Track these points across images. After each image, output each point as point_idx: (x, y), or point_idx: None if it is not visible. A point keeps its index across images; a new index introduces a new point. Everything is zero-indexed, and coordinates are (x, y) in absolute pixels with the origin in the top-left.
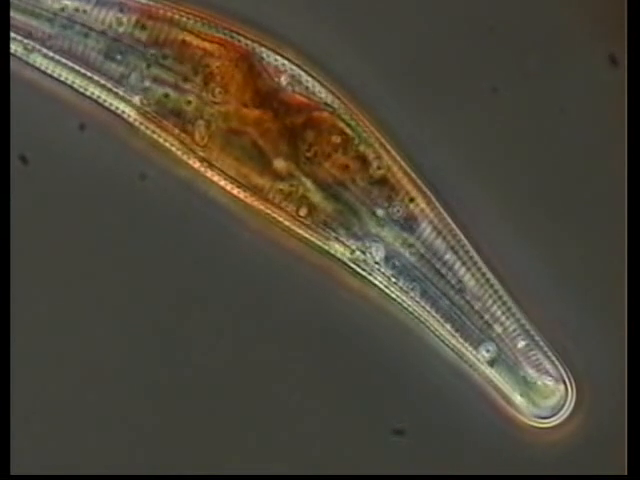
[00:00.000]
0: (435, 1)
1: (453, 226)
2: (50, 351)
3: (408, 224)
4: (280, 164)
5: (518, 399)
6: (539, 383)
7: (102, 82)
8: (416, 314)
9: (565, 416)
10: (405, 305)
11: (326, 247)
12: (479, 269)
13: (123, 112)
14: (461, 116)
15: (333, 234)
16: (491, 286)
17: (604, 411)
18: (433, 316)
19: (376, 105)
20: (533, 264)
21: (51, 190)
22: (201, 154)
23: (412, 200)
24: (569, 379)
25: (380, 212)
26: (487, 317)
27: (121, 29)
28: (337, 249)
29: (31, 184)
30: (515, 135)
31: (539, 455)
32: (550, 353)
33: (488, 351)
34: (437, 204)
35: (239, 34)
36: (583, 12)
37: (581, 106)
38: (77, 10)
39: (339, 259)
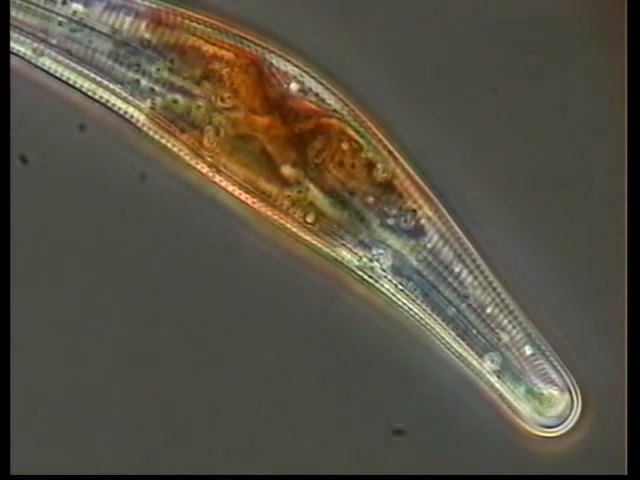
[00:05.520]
0: (435, 1)
1: (460, 233)
2: (50, 351)
3: (415, 231)
4: (288, 170)
5: (522, 407)
6: (544, 392)
7: (111, 86)
8: (422, 322)
9: (570, 426)
10: (412, 312)
11: (333, 254)
12: (486, 277)
13: (132, 116)
14: (460, 116)
15: (340, 241)
16: (498, 294)
17: (605, 412)
18: (439, 324)
19: (382, 110)
20: (539, 270)
21: (51, 190)
22: (209, 159)
23: (420, 207)
24: (575, 388)
25: (387, 219)
26: (493, 325)
27: (131, 33)
28: (344, 256)
29: (31, 184)
30: (514, 135)
31: (539, 455)
32: (556, 362)
33: (493, 360)
34: (444, 211)
35: (249, 40)
36: (583, 12)
37: (581, 106)
38: (87, 14)
39: (346, 266)
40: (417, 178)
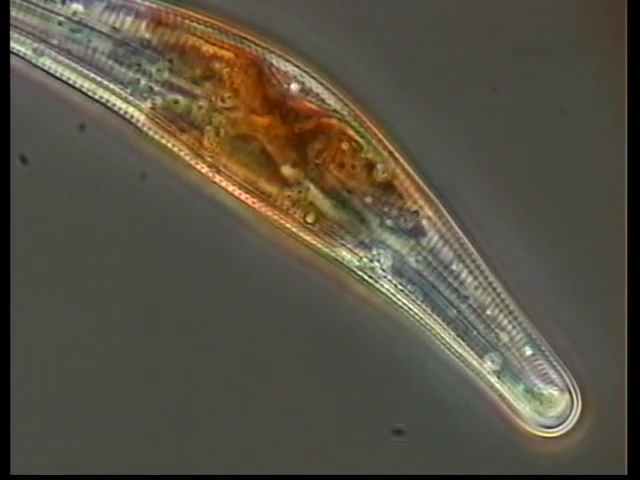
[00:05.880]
0: (435, 1)
1: (460, 234)
2: (50, 351)
3: (415, 232)
4: (288, 170)
5: (522, 407)
6: (544, 393)
7: (111, 86)
8: (422, 322)
9: (570, 426)
10: (412, 313)
11: (333, 254)
12: (486, 277)
13: (132, 116)
14: (460, 117)
15: (340, 241)
16: (498, 295)
17: (605, 412)
18: (439, 324)
19: (382, 110)
20: (539, 270)
21: (51, 190)
22: (209, 159)
23: (420, 208)
24: (575, 389)
25: (387, 220)
26: (493, 326)
27: (131, 33)
28: (344, 256)
29: (31, 184)
30: (514, 136)
31: (539, 456)
32: (556, 362)
33: (493, 361)
34: (444, 211)
35: (249, 40)
36: (583, 12)
37: (581, 106)
38: (87, 14)
39: (346, 266)
40: (417, 178)
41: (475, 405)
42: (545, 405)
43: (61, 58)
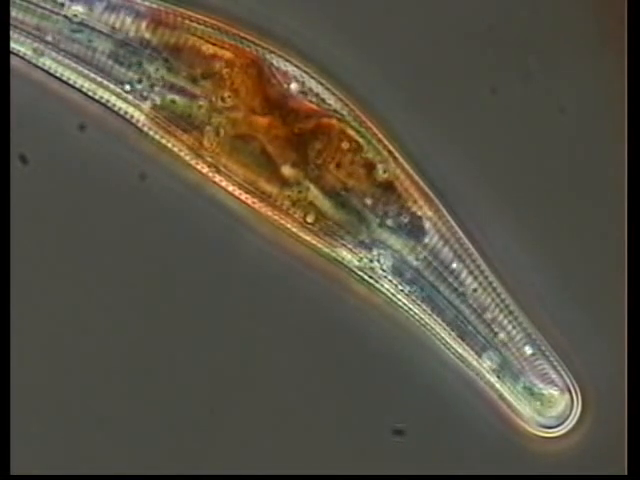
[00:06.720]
0: (435, 1)
1: (460, 234)
2: (50, 352)
3: (415, 232)
4: (288, 171)
5: (522, 407)
6: (545, 392)
7: (111, 86)
8: (422, 322)
9: (570, 426)
10: (411, 313)
11: (333, 254)
12: (486, 277)
13: (132, 116)
14: (460, 117)
15: (340, 241)
16: (498, 295)
17: (605, 412)
18: (439, 324)
19: (382, 110)
20: (539, 270)
21: (51, 190)
22: (209, 159)
23: (420, 208)
24: (575, 389)
25: (387, 220)
26: (493, 325)
27: (131, 34)
28: (344, 256)
29: (31, 184)
30: (514, 136)
31: (539, 455)
32: (556, 362)
33: (492, 359)
34: (444, 211)
35: (249, 40)
36: (583, 12)
37: (581, 106)
38: (87, 14)
39: (346, 266)
40: (417, 178)
41: (475, 405)
42: (545, 405)
43: (61, 58)
